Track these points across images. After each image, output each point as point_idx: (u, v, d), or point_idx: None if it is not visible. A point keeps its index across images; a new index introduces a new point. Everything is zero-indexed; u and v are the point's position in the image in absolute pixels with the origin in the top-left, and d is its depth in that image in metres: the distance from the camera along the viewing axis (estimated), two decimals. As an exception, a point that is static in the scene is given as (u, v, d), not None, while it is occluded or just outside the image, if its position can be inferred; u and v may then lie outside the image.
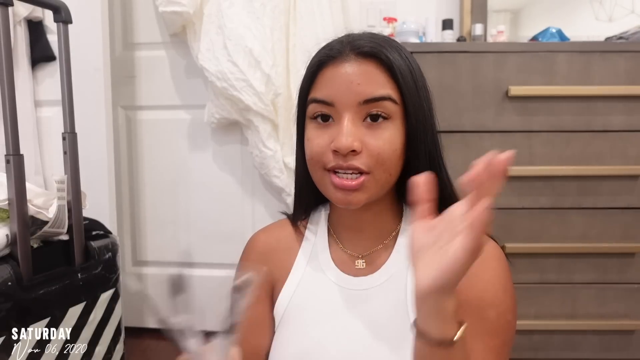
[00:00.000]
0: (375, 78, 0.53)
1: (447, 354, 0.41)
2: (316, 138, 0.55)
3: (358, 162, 0.52)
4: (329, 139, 0.53)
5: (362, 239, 0.62)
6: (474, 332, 0.48)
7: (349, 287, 0.59)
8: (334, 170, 0.53)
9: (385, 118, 0.53)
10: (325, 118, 0.54)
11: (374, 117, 0.53)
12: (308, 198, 0.65)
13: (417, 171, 0.51)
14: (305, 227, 0.66)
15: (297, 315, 0.60)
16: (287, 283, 0.62)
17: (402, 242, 0.60)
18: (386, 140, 0.52)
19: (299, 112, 0.60)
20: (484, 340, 0.51)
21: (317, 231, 0.65)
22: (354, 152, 0.52)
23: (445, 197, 0.54)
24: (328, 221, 0.66)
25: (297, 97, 0.60)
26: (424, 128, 0.55)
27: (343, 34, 0.58)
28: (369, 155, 0.52)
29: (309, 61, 0.58)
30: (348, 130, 0.51)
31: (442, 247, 0.38)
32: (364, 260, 0.61)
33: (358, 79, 0.52)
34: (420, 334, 0.41)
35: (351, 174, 0.52)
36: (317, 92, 0.55)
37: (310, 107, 0.56)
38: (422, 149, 0.55)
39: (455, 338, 0.40)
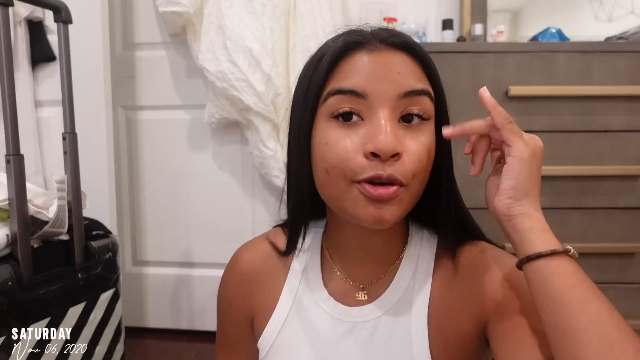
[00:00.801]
0: (414, 70, 0.45)
1: (572, 269, 0.39)
2: (339, 141, 0.44)
3: (398, 171, 0.42)
4: (360, 141, 0.43)
5: (366, 266, 0.53)
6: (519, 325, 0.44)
7: (346, 319, 0.52)
8: (369, 182, 0.43)
9: (422, 119, 0.45)
10: (348, 117, 0.44)
11: (409, 118, 0.44)
12: (306, 218, 0.55)
13: (436, 186, 0.49)
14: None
15: (286, 351, 0.54)
16: (275, 314, 0.55)
17: (405, 269, 0.53)
18: (425, 145, 0.44)
19: (303, 111, 0.47)
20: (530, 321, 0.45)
21: (308, 254, 0.57)
22: (395, 156, 0.42)
23: (466, 225, 0.52)
24: (323, 242, 0.57)
25: (298, 94, 0.49)
26: (441, 140, 0.48)
27: (331, 28, 0.50)
28: (410, 162, 0.43)
29: (312, 56, 0.49)
30: (389, 129, 0.42)
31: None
32: (365, 292, 0.53)
33: (397, 67, 0.44)
34: (531, 257, 0.40)
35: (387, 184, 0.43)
36: (342, 82, 0.44)
37: (332, 101, 0.44)
38: (446, 158, 0.49)
39: (567, 247, 0.40)
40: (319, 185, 0.48)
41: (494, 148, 0.48)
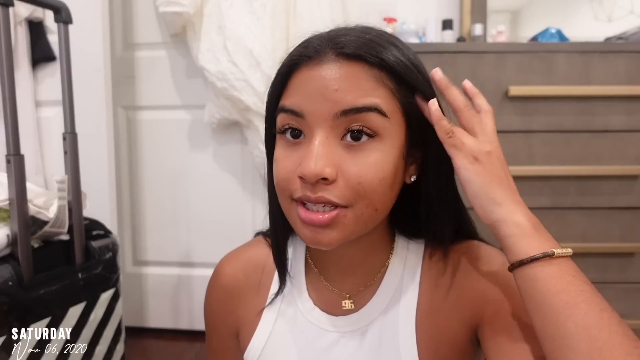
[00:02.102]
0: (360, 84, 0.41)
1: (557, 273, 0.38)
2: (283, 160, 0.44)
3: (331, 194, 0.41)
4: (297, 162, 0.42)
5: (350, 275, 0.52)
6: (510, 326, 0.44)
7: (332, 329, 0.51)
8: (302, 202, 0.43)
9: (370, 136, 0.42)
10: (296, 134, 0.43)
11: (356, 136, 0.41)
12: (281, 231, 0.54)
13: (426, 194, 0.48)
14: None
15: None
16: (260, 328, 0.54)
17: (391, 276, 0.52)
18: (370, 165, 0.41)
19: (267, 124, 0.49)
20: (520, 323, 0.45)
21: (292, 263, 0.56)
22: (325, 180, 0.41)
23: (461, 227, 0.52)
24: (306, 252, 0.56)
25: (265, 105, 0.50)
26: (437, 145, 0.44)
27: (329, 28, 0.46)
28: (347, 186, 0.41)
29: (281, 61, 0.47)
30: (318, 153, 0.40)
31: None
32: (352, 301, 0.52)
33: (336, 83, 0.41)
34: (515, 266, 0.39)
35: (323, 206, 0.42)
36: (286, 99, 0.44)
37: (279, 118, 0.45)
38: (434, 165, 0.47)
39: (548, 251, 0.38)
40: (278, 199, 0.48)
41: None
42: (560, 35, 1.38)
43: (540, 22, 1.55)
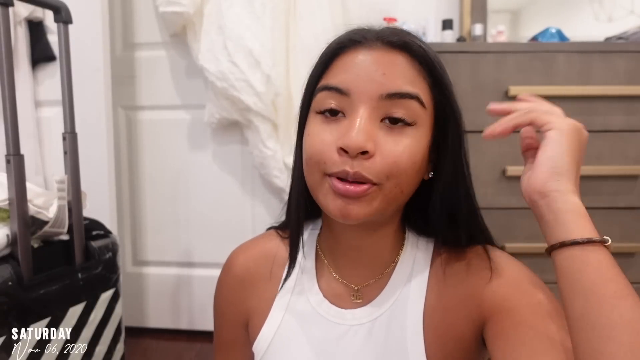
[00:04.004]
0: (404, 72, 0.44)
1: (608, 261, 0.37)
2: (319, 133, 0.45)
3: (367, 171, 0.42)
4: (336, 135, 0.44)
5: (360, 268, 0.53)
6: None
7: (341, 322, 0.52)
8: (337, 177, 0.44)
9: (408, 124, 0.44)
10: (334, 112, 0.45)
11: (394, 120, 0.44)
12: (302, 213, 0.54)
13: (439, 193, 0.49)
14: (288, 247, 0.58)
15: (281, 354, 0.54)
16: (270, 318, 0.55)
17: (400, 272, 0.52)
18: (406, 147, 0.43)
19: (303, 105, 0.50)
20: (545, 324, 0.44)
21: (303, 254, 0.57)
22: (364, 154, 0.42)
23: (472, 229, 0.50)
24: (317, 243, 0.57)
25: (304, 88, 0.51)
26: (457, 142, 0.47)
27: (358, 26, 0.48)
28: (383, 162, 0.43)
29: (322, 50, 0.49)
30: (360, 126, 0.42)
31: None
32: (360, 294, 0.53)
33: (384, 68, 0.43)
34: (566, 244, 0.38)
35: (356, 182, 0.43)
36: (331, 79, 0.46)
37: (319, 97, 0.46)
38: (449, 167, 0.47)
39: (605, 237, 0.37)
40: (305, 175, 0.48)
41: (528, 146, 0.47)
42: (560, 35, 1.38)
43: (540, 22, 1.55)
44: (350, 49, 0.45)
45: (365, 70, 0.44)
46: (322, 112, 0.46)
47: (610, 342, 0.34)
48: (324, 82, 0.46)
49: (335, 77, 0.45)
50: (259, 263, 0.58)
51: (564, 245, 0.38)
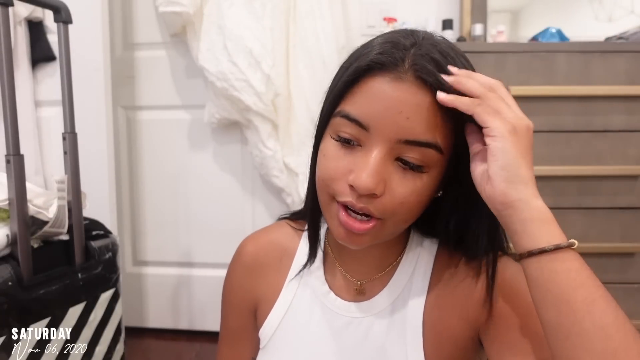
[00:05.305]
0: (429, 117, 0.41)
1: (576, 266, 0.36)
2: (333, 159, 0.44)
3: (373, 206, 0.43)
4: (348, 167, 0.43)
5: (364, 264, 0.55)
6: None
7: (344, 313, 0.54)
8: (344, 205, 0.44)
9: (421, 169, 0.43)
10: (350, 141, 0.44)
11: (408, 163, 0.43)
12: (318, 212, 0.53)
13: (447, 209, 0.50)
14: (300, 239, 0.60)
15: (286, 340, 0.56)
16: (277, 305, 0.57)
17: (404, 269, 0.54)
18: (415, 189, 0.43)
19: (321, 119, 0.48)
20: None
21: (321, 248, 0.58)
22: (373, 195, 0.42)
23: (491, 236, 0.49)
24: (326, 237, 0.59)
25: (323, 98, 0.49)
26: (468, 169, 0.44)
27: (408, 31, 0.45)
28: (391, 202, 0.43)
29: (350, 55, 0.47)
30: (373, 168, 0.41)
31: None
32: (364, 289, 0.54)
33: (409, 111, 0.41)
34: (533, 253, 0.37)
35: (362, 215, 0.44)
36: (352, 107, 0.43)
37: (337, 121, 0.44)
38: (457, 190, 0.48)
39: (571, 241, 0.37)
40: (316, 190, 0.49)
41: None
42: (560, 35, 1.38)
43: (540, 22, 1.55)
44: (378, 75, 0.42)
45: (389, 109, 0.41)
46: (338, 139, 0.44)
47: (584, 352, 0.34)
48: (345, 107, 0.44)
49: (357, 106, 0.43)
50: (268, 252, 0.60)
51: (532, 254, 0.38)
